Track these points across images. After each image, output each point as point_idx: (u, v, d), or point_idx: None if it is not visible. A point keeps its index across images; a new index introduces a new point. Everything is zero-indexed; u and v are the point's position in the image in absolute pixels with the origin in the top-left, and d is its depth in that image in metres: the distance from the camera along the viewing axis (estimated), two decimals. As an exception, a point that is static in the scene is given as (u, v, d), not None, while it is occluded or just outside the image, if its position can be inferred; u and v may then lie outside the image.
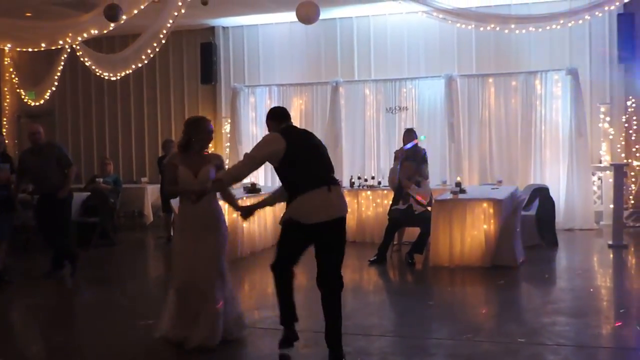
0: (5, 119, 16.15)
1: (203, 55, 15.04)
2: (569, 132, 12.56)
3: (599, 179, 12.74)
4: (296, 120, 14.12)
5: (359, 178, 12.06)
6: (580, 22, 11.89)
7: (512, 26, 11.84)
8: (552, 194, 11.19)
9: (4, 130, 15.57)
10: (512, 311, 7.10)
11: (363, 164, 13.79)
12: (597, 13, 11.49)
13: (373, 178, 12.13)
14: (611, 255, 10.06)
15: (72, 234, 10.10)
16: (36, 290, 8.67)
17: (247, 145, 13.71)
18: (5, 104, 16.15)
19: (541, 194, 10.93)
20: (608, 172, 12.18)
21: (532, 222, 10.54)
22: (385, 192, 11.25)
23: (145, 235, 13.38)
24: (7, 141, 9.48)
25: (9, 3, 11.47)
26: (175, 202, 10.69)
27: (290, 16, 13.07)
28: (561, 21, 11.64)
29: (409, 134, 10.29)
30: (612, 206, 10.91)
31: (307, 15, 10.10)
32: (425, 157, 10.17)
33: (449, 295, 8.04)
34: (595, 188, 12.76)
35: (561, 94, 12.73)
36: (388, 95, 13.70)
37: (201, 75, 15.14)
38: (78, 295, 8.75)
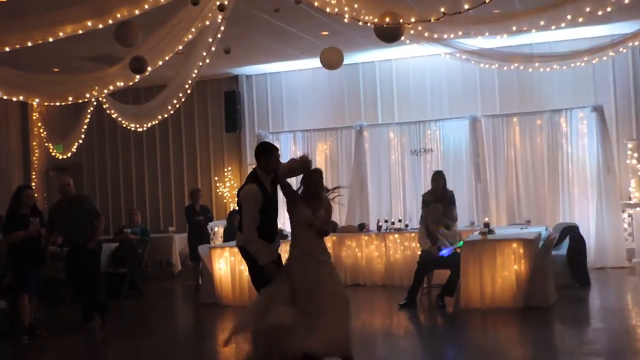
0: (34, 173, 16.37)
1: (227, 104, 15.17)
2: (597, 170, 12.41)
3: (630, 215, 12.51)
4: (321, 165, 14.17)
5: (385, 221, 11.99)
6: (605, 58, 11.83)
7: (536, 64, 11.79)
8: (582, 232, 11.02)
9: (33, 184, 15.70)
10: (548, 353, 6.94)
11: (390, 207, 13.70)
12: (621, 49, 11.44)
13: (400, 221, 12.07)
14: (646, 294, 9.86)
15: (101, 285, 10.11)
16: (67, 342, 8.70)
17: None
18: (34, 158, 16.38)
19: (571, 232, 10.78)
20: (638, 208, 11.99)
21: (563, 261, 10.38)
22: (413, 234, 11.15)
23: (174, 284, 13.37)
24: (36, 195, 9.55)
25: (37, 59, 11.72)
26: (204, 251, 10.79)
27: (313, 62, 13.24)
28: (585, 58, 11.57)
29: (438, 177, 10.22)
30: (644, 243, 10.70)
31: (331, 61, 10.16)
32: (454, 199, 10.10)
33: (482, 338, 7.89)
34: (625, 225, 12.53)
35: (587, 131, 12.62)
36: (412, 138, 13.69)
37: (225, 124, 15.23)
38: (108, 347, 8.72)
